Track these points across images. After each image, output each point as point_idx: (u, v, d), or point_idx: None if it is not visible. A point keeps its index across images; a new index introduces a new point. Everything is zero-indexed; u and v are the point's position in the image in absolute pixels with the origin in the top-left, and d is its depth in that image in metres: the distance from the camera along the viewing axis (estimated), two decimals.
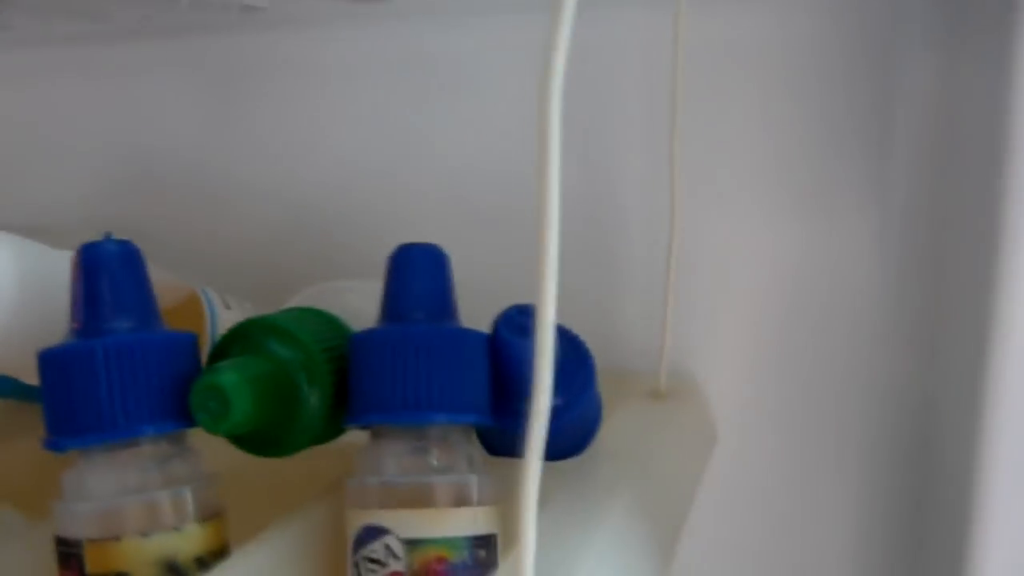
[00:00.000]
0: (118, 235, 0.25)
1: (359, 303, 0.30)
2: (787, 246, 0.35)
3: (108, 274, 0.23)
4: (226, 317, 0.33)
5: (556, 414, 0.26)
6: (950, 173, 0.33)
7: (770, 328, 0.36)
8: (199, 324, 0.32)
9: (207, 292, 0.33)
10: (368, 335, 0.24)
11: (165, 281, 0.32)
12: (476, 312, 0.26)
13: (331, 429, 0.25)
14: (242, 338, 0.25)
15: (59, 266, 0.28)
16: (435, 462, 0.23)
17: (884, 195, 0.34)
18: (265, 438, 0.24)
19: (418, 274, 0.25)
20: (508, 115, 0.38)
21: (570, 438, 0.28)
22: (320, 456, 0.26)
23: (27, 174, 0.47)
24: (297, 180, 0.43)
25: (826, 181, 0.35)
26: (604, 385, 0.28)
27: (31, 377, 0.26)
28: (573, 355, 0.27)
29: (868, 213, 0.35)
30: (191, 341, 0.23)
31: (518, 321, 0.25)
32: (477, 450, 0.25)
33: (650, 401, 0.33)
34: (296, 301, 0.29)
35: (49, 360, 0.22)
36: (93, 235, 0.46)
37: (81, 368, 0.21)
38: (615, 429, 0.29)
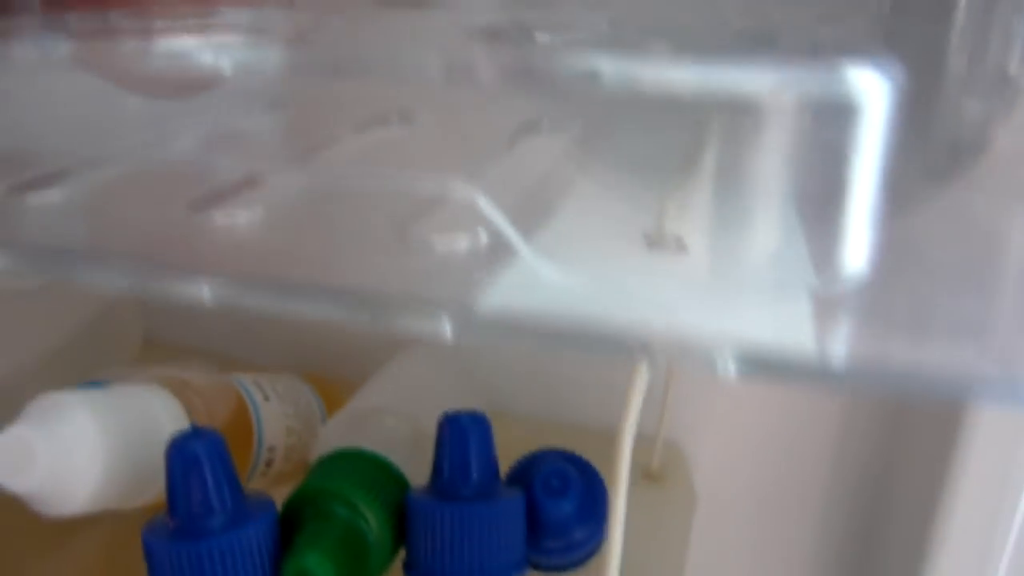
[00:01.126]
0: None
1: (396, 429, 0.33)
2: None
3: (198, 472, 0.26)
4: (267, 410, 0.36)
5: (580, 544, 0.31)
6: None
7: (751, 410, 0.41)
8: (248, 429, 0.35)
9: (247, 388, 0.36)
10: (426, 507, 0.28)
11: (211, 387, 0.35)
12: None
13: (391, 557, 0.30)
14: (310, 504, 0.28)
15: (131, 401, 0.31)
16: None
17: None
18: None
19: (467, 444, 0.28)
20: None
21: (587, 554, 0.33)
22: None
23: None
24: None
25: None
26: (601, 454, 0.32)
27: (131, 505, 0.29)
28: (589, 491, 0.31)
29: None
30: (273, 518, 0.27)
31: (552, 484, 0.29)
32: None
33: (645, 483, 0.38)
34: (332, 427, 0.33)
35: (155, 554, 0.25)
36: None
37: (187, 567, 0.25)
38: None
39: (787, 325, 0.14)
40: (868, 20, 0.28)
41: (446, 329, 0.15)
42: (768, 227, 0.16)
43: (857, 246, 0.15)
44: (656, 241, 0.17)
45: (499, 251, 0.18)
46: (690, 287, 0.15)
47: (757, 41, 0.21)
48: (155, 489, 0.30)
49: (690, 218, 0.18)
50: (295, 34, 0.20)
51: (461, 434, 0.28)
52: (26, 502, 0.27)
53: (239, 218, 0.20)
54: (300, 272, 0.18)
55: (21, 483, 0.27)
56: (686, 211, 0.18)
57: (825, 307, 0.15)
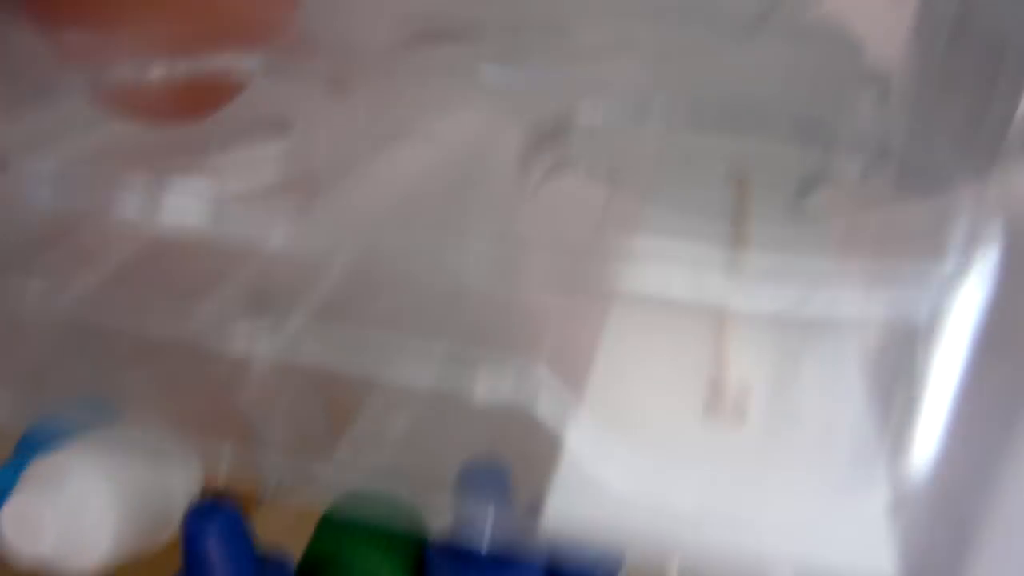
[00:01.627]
0: None
1: None
2: None
3: (216, 551, 0.25)
4: None
5: None
6: None
7: None
8: None
9: None
10: (448, 571, 0.27)
11: None
12: None
13: None
14: (324, 567, 0.28)
15: (136, 446, 0.30)
16: None
17: None
18: None
19: (484, 495, 0.28)
20: None
21: None
22: None
23: None
24: None
25: None
26: None
27: (144, 551, 0.29)
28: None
29: None
30: None
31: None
32: None
33: None
34: None
35: None
36: None
37: None
38: None
39: (851, 543, 0.13)
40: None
41: (487, 537, 0.14)
42: (837, 413, 0.15)
43: (930, 441, 0.14)
44: (715, 406, 0.16)
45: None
46: (750, 485, 0.14)
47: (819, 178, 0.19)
48: (168, 532, 0.29)
49: (749, 372, 0.17)
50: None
51: (479, 488, 0.28)
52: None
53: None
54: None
55: (32, 552, 0.26)
56: (745, 363, 0.17)
57: (895, 515, 0.14)
